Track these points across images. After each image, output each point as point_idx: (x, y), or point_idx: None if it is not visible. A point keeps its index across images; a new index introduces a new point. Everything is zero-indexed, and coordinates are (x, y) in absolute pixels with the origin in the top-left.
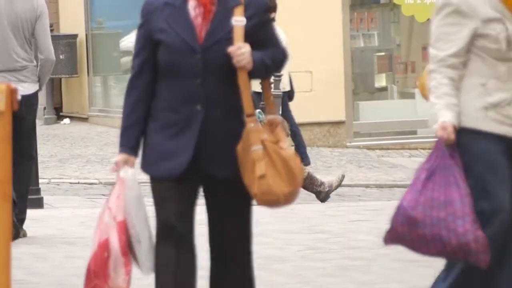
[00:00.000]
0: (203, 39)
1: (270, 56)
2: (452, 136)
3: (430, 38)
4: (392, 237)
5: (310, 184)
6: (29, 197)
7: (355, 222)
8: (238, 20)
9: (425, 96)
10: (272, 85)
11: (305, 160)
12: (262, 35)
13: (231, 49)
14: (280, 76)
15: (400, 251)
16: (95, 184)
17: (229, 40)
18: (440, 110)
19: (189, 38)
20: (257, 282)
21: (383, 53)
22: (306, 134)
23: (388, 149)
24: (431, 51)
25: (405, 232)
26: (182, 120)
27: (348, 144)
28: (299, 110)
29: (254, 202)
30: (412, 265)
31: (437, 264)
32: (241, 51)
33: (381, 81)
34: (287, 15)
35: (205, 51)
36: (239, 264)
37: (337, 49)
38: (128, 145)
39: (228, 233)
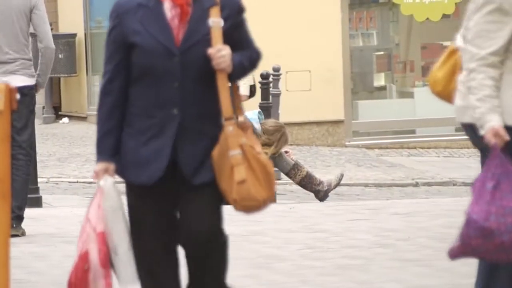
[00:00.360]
0: (180, 41)
1: (248, 57)
2: (507, 137)
3: (468, 35)
4: (463, 251)
5: (309, 183)
6: (28, 196)
7: (354, 221)
8: (215, 21)
9: (437, 92)
10: (271, 84)
11: None
12: (237, 36)
13: (211, 51)
14: (279, 74)
15: (398, 250)
16: (94, 183)
17: (207, 42)
18: (485, 114)
19: (166, 41)
20: (256, 281)
21: (382, 52)
22: (305, 133)
23: (387, 148)
24: (470, 48)
25: (479, 244)
26: (157, 125)
27: (347, 143)
28: (298, 109)
29: (231, 207)
30: (411, 264)
31: (435, 264)
32: (221, 53)
33: (380, 80)
34: (286, 14)
35: (183, 54)
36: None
37: (336, 48)
38: (107, 153)
39: (198, 233)
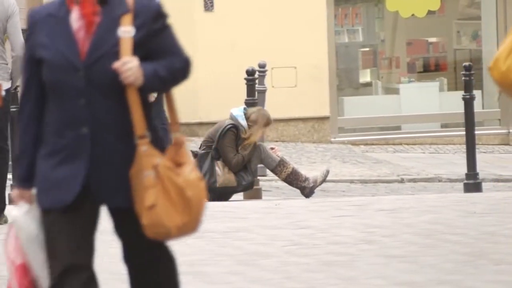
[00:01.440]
0: (85, 55)
1: (166, 66)
2: None
3: None
4: None
5: (295, 179)
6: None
7: (339, 218)
8: (126, 31)
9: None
10: (257, 81)
11: None
12: (156, 44)
13: (116, 65)
14: (265, 71)
15: (383, 247)
16: None
17: (116, 54)
18: None
19: (70, 54)
20: (242, 277)
21: (367, 49)
22: (290, 130)
23: (372, 144)
24: None
25: None
26: (68, 146)
27: (332, 139)
28: (284, 106)
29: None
30: (396, 260)
31: (420, 260)
32: (127, 66)
33: (365, 76)
34: (272, 11)
35: (88, 68)
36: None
37: (321, 44)
38: (21, 176)
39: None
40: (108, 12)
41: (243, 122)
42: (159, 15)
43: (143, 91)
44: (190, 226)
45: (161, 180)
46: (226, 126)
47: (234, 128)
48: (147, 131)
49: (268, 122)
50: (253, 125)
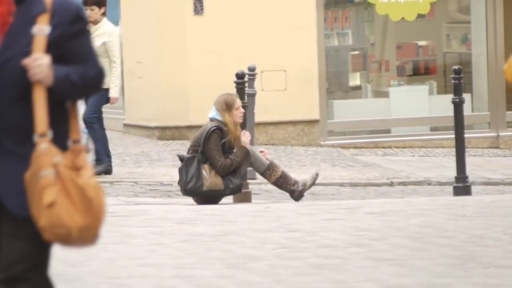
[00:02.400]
0: None
1: (79, 72)
2: None
3: None
4: None
5: (284, 183)
6: None
7: (329, 221)
8: (40, 29)
9: None
10: (247, 84)
11: (107, 169)
12: (70, 48)
13: (26, 61)
14: (255, 74)
15: (373, 250)
16: None
17: (28, 54)
18: None
19: None
20: (231, 281)
21: (357, 52)
22: (280, 133)
23: (362, 147)
24: None
25: None
26: None
27: (322, 142)
28: (273, 109)
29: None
30: (385, 263)
31: (409, 263)
32: (37, 62)
33: (355, 80)
34: (262, 14)
35: None
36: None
37: (311, 48)
38: None
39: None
40: (24, 12)
41: (221, 118)
42: (77, 18)
43: (53, 93)
44: (91, 229)
45: (62, 179)
46: (210, 129)
47: (218, 130)
48: (50, 130)
49: (227, 105)
50: (222, 114)
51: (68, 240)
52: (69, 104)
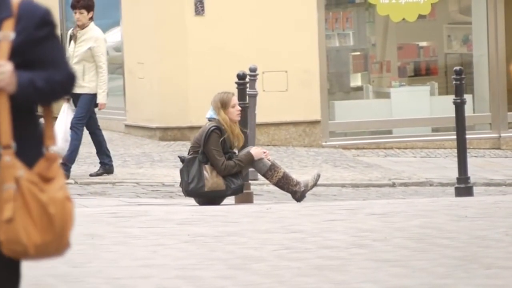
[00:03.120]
0: None
1: (45, 78)
2: None
3: None
4: None
5: (286, 184)
6: None
7: (331, 222)
8: (4, 35)
9: None
10: (248, 85)
11: (108, 169)
12: (38, 54)
13: None
14: (256, 75)
15: (374, 251)
16: (71, 184)
17: None
18: None
19: None
20: (233, 282)
21: (358, 53)
22: (281, 134)
23: (363, 148)
24: None
25: None
26: None
27: (323, 143)
28: (275, 110)
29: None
30: (387, 264)
31: (411, 264)
32: None
33: (356, 80)
34: (263, 15)
35: None
36: None
37: (312, 48)
38: None
39: None
40: None
41: (218, 117)
42: (44, 23)
43: (17, 100)
44: (52, 246)
45: (22, 194)
46: (209, 129)
47: (217, 130)
48: (14, 141)
49: (222, 103)
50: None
51: (26, 256)
52: (42, 110)
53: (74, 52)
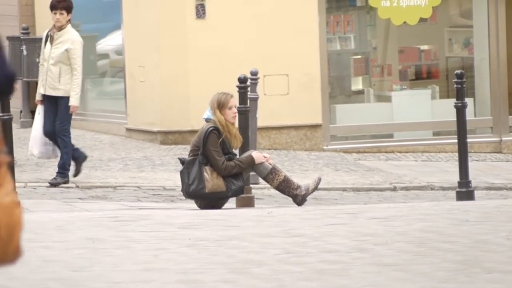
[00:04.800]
0: None
1: None
2: None
3: None
4: None
5: (287, 187)
6: None
7: (332, 226)
8: None
9: None
10: (249, 88)
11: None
12: None
13: None
14: (257, 78)
15: (376, 255)
16: (72, 188)
17: None
18: None
19: None
20: (234, 286)
21: (359, 56)
22: (282, 137)
23: (364, 152)
24: None
25: None
26: None
27: (324, 147)
28: (276, 113)
29: None
30: (388, 269)
31: (412, 268)
32: None
33: (357, 84)
34: (264, 18)
35: None
36: None
37: (313, 52)
38: None
39: None
40: None
41: (214, 117)
42: None
43: None
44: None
45: None
46: (207, 130)
47: (215, 130)
48: None
49: (219, 103)
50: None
51: None
52: None
53: (50, 53)
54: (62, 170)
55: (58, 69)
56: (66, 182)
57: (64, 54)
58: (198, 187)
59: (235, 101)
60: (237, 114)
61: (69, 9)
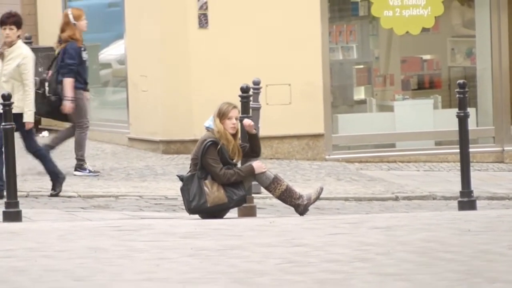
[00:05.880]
0: None
1: None
2: None
3: None
4: None
5: (289, 197)
6: (8, 210)
7: (334, 235)
8: None
9: None
10: (251, 98)
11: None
12: None
13: None
14: (259, 88)
15: (378, 265)
16: (74, 197)
17: None
18: None
19: None
20: None
21: (362, 66)
22: (284, 147)
23: (367, 162)
24: None
25: None
26: None
27: (327, 157)
28: (278, 123)
29: None
30: (390, 278)
31: (414, 278)
32: None
33: (360, 93)
34: (266, 28)
35: None
36: None
37: (316, 61)
38: None
39: None
40: None
41: (214, 125)
42: None
43: None
44: None
45: None
46: (206, 144)
47: (213, 144)
48: None
49: (220, 112)
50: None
51: None
52: None
53: (2, 70)
54: (55, 177)
55: (11, 86)
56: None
57: (16, 70)
58: (200, 202)
59: (237, 113)
60: (238, 126)
61: (18, 24)
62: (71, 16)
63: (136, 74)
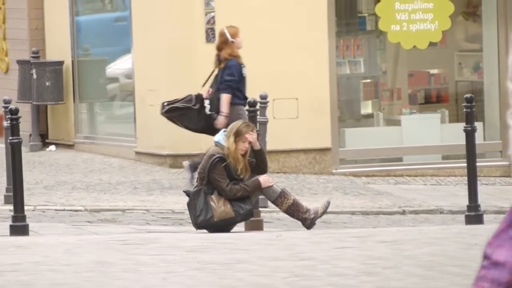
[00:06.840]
0: None
1: None
2: None
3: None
4: None
5: (296, 211)
6: (15, 224)
7: (341, 249)
8: None
9: None
10: (258, 112)
11: None
12: None
13: None
14: (266, 102)
15: (384, 279)
16: (81, 211)
17: None
18: None
19: None
20: None
21: (369, 80)
22: (292, 161)
23: (374, 176)
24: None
25: None
26: None
27: (334, 171)
28: (285, 137)
29: None
30: None
31: None
32: None
33: (367, 108)
34: (273, 42)
35: None
36: None
37: (323, 76)
38: None
39: None
40: None
41: (225, 143)
42: None
43: None
44: None
45: None
46: (213, 161)
47: (220, 161)
48: None
49: (237, 132)
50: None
51: None
52: None
53: None
54: None
55: None
56: None
57: None
58: (206, 217)
59: (253, 137)
60: (248, 150)
61: None
62: (228, 35)
63: (143, 89)
